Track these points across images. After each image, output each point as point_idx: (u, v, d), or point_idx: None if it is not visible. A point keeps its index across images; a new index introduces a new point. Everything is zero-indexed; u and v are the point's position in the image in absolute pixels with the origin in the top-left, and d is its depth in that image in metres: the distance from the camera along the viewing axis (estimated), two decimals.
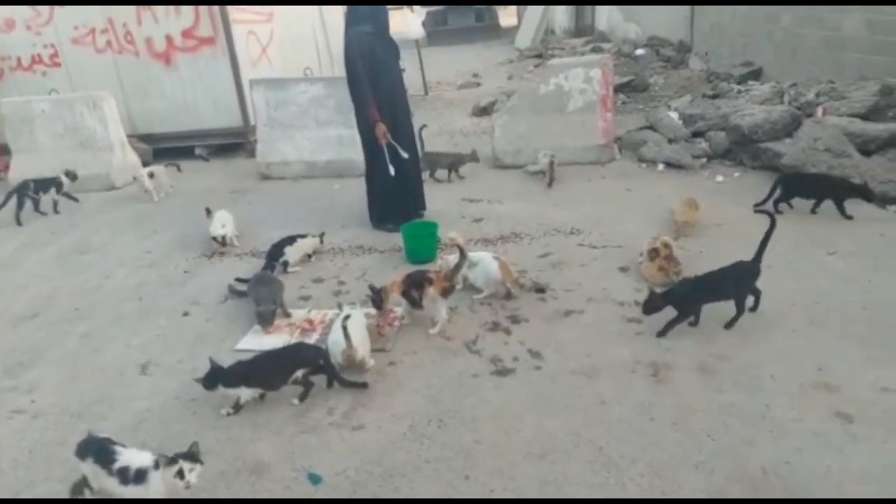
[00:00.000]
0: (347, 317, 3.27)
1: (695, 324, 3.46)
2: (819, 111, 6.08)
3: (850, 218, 4.66)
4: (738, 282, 3.48)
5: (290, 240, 4.65)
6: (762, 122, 5.86)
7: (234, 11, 7.68)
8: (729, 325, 3.44)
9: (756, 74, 8.95)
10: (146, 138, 8.16)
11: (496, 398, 3.06)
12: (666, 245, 4.05)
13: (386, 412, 3.01)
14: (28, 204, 6.20)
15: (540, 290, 4.00)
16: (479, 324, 3.70)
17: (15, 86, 8.21)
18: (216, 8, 7.54)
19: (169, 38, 7.75)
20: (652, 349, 3.33)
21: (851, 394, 2.86)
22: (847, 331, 3.31)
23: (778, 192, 4.86)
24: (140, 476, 2.33)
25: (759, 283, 3.53)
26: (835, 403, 2.81)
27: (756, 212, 4.50)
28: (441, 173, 6.43)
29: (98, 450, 2.43)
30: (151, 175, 6.59)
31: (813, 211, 4.83)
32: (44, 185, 6.32)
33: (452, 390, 3.13)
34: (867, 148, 5.34)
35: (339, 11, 10.05)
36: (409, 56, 12.00)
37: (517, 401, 3.02)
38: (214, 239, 5.02)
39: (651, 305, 3.40)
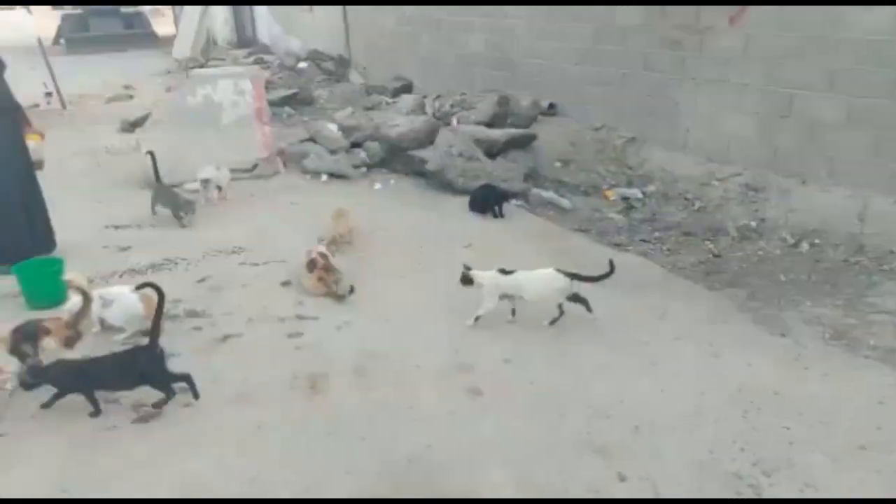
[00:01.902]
0: None
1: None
2: (454, 120, 6.88)
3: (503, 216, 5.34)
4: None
5: None
6: (407, 131, 6.40)
7: None
8: None
9: (408, 88, 9.78)
10: None
11: (140, 449, 2.72)
12: (323, 255, 4.12)
13: None
14: None
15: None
16: None
17: None
18: None
19: None
20: (311, 361, 3.33)
21: (481, 370, 3.24)
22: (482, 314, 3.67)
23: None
24: None
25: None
26: (470, 381, 3.14)
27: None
28: (161, 209, 5.38)
29: None
30: None
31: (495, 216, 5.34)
32: None
33: (83, 453, 2.70)
34: (491, 151, 6.20)
35: None
36: (37, 64, 10.33)
37: (164, 446, 2.74)
38: None
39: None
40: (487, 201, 5.33)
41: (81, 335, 3.24)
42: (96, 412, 2.92)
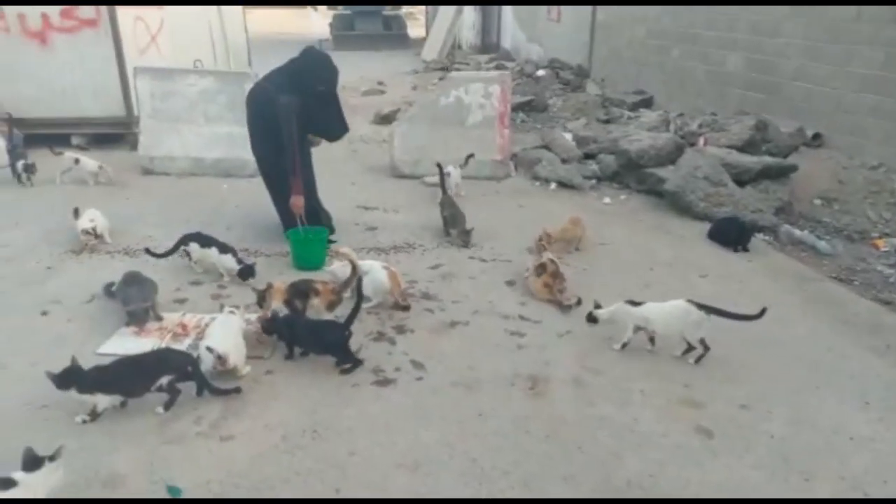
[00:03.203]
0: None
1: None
2: (701, 141, 6.51)
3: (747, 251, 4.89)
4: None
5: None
6: (648, 147, 6.19)
7: None
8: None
9: (647, 102, 9.49)
10: (16, 123, 7.44)
11: (375, 409, 3.00)
12: (553, 261, 4.16)
13: (258, 422, 2.87)
14: None
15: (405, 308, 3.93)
16: (365, 333, 3.62)
17: None
18: None
19: (45, 17, 7.12)
20: (532, 362, 3.38)
21: (713, 410, 3.02)
22: (712, 351, 3.42)
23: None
24: None
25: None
26: (698, 419, 2.96)
27: None
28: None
29: None
30: (77, 162, 6.12)
31: (736, 249, 4.91)
32: None
33: (331, 400, 3.04)
34: (741, 178, 5.75)
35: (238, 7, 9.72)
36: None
37: (396, 412, 2.98)
38: (86, 232, 4.62)
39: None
40: (731, 232, 4.96)
41: (341, 301, 3.64)
42: (290, 355, 3.33)
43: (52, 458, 2.17)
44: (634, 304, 3.47)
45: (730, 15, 7.68)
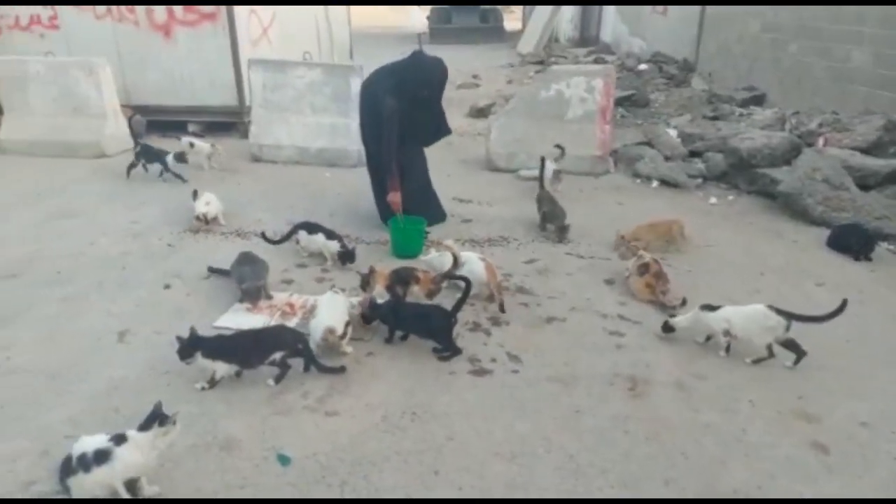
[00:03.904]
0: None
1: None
2: (821, 141, 6.12)
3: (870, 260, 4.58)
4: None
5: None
6: (762, 147, 5.87)
7: None
8: None
9: (759, 100, 9.01)
10: (139, 110, 8.04)
11: (471, 397, 3.03)
12: (656, 261, 4.04)
13: (360, 401, 2.97)
14: None
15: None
16: (460, 323, 3.65)
17: (11, 45, 8.08)
18: None
19: (170, 10, 7.64)
20: (631, 363, 3.31)
21: (830, 425, 2.86)
22: (829, 362, 3.29)
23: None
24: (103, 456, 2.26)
25: None
26: (812, 433, 2.80)
27: None
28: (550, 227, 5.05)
29: None
30: (192, 146, 6.53)
31: (857, 258, 4.59)
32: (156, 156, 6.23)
33: (428, 385, 3.11)
34: (866, 182, 5.36)
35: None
36: (411, 51, 11.94)
37: (492, 401, 3.00)
38: (198, 218, 4.95)
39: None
40: (853, 239, 4.63)
41: (440, 290, 3.70)
42: (390, 339, 3.41)
43: (161, 423, 2.30)
44: (711, 308, 3.39)
45: (857, 8, 7.14)
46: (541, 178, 5.46)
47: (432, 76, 4.68)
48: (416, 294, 3.61)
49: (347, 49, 10.84)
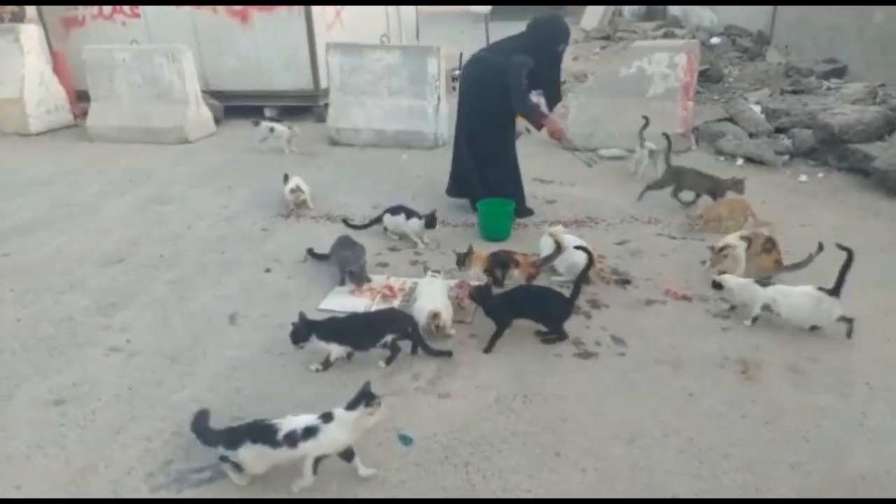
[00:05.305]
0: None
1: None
2: None
3: None
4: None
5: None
6: (854, 122, 5.64)
7: None
8: None
9: (840, 72, 8.63)
10: (217, 95, 8.26)
11: (579, 379, 3.05)
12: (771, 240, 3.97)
13: (470, 382, 3.03)
14: None
15: (626, 281, 3.95)
16: None
17: (95, 34, 8.41)
18: None
19: None
20: (740, 346, 3.27)
21: None
22: None
23: None
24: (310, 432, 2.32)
25: (850, 292, 3.34)
26: None
27: None
28: (686, 195, 5.11)
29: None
30: (272, 130, 6.74)
31: None
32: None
33: (535, 367, 3.14)
34: None
35: None
36: (477, 30, 11.86)
37: (601, 384, 3.01)
38: (292, 190, 5.04)
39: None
40: None
41: (539, 274, 3.72)
42: (499, 332, 3.29)
43: (368, 403, 2.33)
44: (763, 284, 3.45)
45: None
46: (667, 157, 5.36)
47: (562, 31, 4.62)
48: (515, 278, 3.63)
49: (414, 30, 10.85)
